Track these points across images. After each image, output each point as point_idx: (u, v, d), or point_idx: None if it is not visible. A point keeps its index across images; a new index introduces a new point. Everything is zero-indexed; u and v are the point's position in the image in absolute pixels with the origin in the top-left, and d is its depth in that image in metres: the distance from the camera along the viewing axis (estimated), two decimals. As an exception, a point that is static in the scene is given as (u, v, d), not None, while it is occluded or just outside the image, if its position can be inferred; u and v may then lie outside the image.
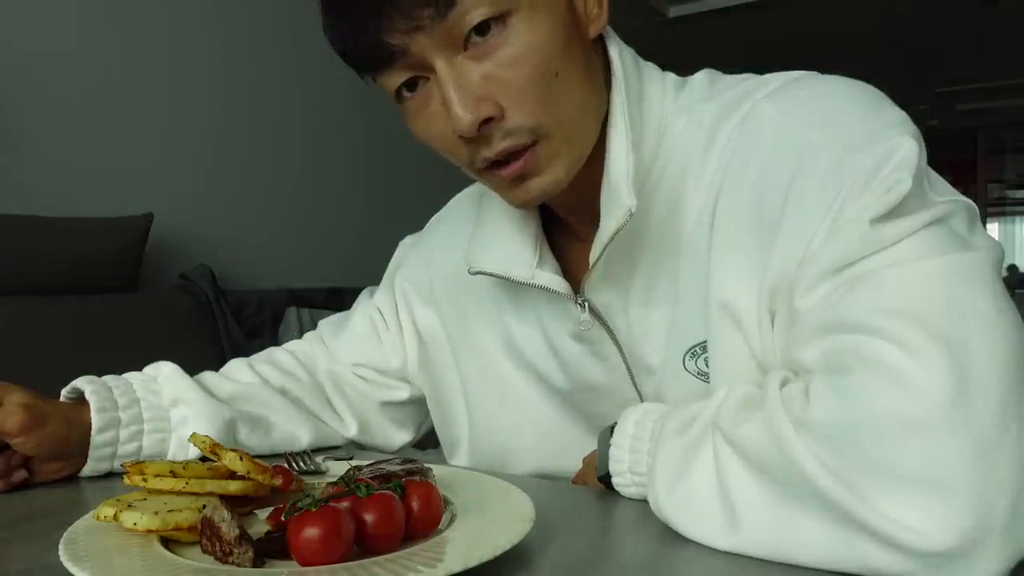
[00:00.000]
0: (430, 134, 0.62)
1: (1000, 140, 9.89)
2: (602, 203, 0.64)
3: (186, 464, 0.55)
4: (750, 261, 0.59)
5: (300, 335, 0.97)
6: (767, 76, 0.65)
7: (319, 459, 0.74)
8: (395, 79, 0.61)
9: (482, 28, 0.57)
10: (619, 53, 0.66)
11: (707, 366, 0.64)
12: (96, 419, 0.72)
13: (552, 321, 0.75)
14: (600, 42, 0.67)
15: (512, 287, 0.76)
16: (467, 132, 0.58)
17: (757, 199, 0.59)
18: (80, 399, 0.75)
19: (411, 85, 0.61)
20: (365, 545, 0.46)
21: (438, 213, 0.92)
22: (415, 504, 0.49)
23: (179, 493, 0.52)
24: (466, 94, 0.58)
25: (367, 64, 0.61)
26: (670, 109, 0.67)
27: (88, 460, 0.73)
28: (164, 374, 0.80)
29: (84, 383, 0.75)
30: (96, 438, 0.72)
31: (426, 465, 0.57)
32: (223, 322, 2.15)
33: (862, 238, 0.51)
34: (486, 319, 0.80)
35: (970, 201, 0.56)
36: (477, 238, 0.74)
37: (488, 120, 0.59)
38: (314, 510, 0.45)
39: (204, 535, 0.47)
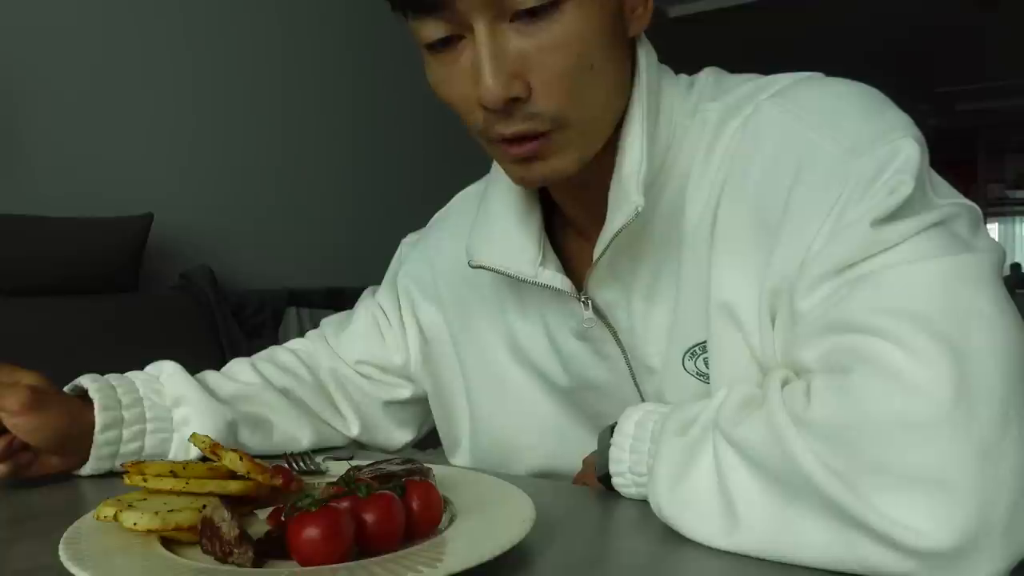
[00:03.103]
0: (451, 91, 0.61)
1: (1000, 140, 9.90)
2: (610, 200, 0.64)
3: (186, 464, 0.55)
4: (751, 262, 0.59)
5: (300, 335, 0.97)
6: (772, 77, 0.65)
7: (319, 459, 0.74)
8: (432, 31, 0.59)
9: (535, 9, 0.57)
10: (647, 56, 0.66)
11: (706, 366, 0.64)
12: (100, 417, 0.72)
13: (555, 319, 0.75)
14: (631, 43, 0.66)
15: (515, 284, 0.76)
16: (493, 105, 0.57)
17: (759, 200, 0.59)
18: (82, 397, 0.75)
19: (446, 40, 0.60)
20: (365, 545, 0.46)
21: (440, 211, 0.92)
22: (415, 504, 0.49)
23: (179, 493, 0.52)
24: (500, 66, 0.57)
25: (408, 5, 0.60)
26: (679, 110, 0.67)
27: (90, 458, 0.73)
28: (166, 373, 0.80)
29: (87, 381, 0.75)
30: (99, 436, 0.72)
31: (426, 465, 0.57)
32: (223, 322, 2.15)
33: (863, 240, 0.51)
34: (489, 317, 0.80)
35: (973, 204, 0.56)
36: (478, 232, 0.74)
37: (515, 99, 0.58)
38: (314, 510, 0.45)
39: (204, 535, 0.47)
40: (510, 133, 0.60)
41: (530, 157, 0.61)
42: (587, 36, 0.58)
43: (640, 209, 0.62)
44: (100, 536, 0.49)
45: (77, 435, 0.72)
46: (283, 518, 0.46)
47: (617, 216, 0.63)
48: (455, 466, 0.83)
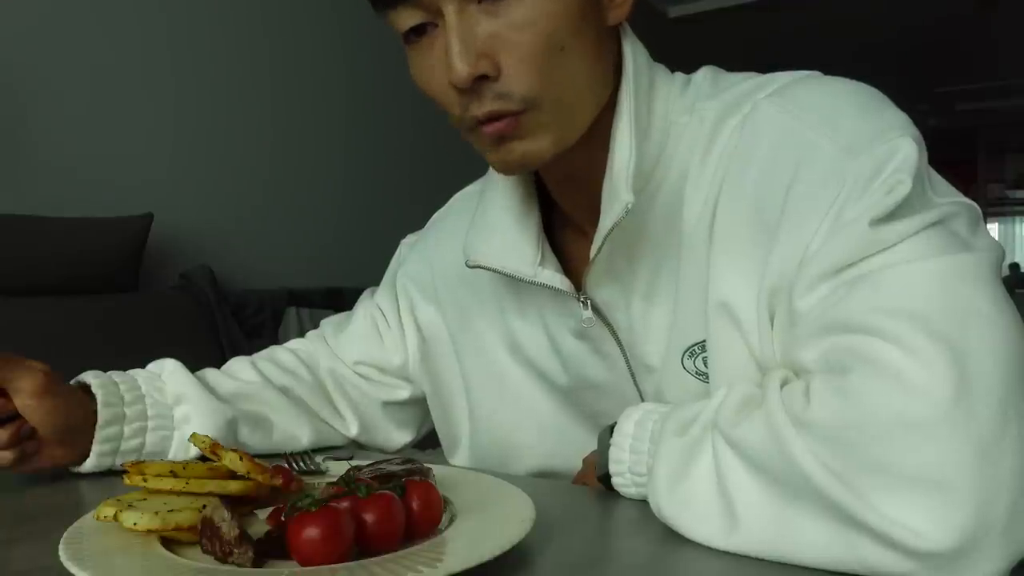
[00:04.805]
0: (429, 81, 0.62)
1: (1000, 140, 9.90)
2: (603, 198, 0.64)
3: (186, 464, 0.55)
4: (749, 261, 0.59)
5: (300, 335, 0.97)
6: (770, 75, 0.65)
7: (319, 459, 0.74)
8: (405, 19, 0.61)
9: None
10: (632, 50, 0.66)
11: (705, 366, 0.64)
12: (102, 413, 0.72)
13: (554, 318, 0.75)
14: (615, 36, 0.66)
15: (514, 284, 0.76)
16: (461, 84, 0.58)
17: (757, 199, 0.59)
18: (84, 393, 0.75)
19: (420, 29, 0.61)
20: (365, 545, 0.46)
21: (439, 212, 0.92)
22: (415, 504, 0.49)
23: (179, 493, 0.52)
24: (468, 46, 0.58)
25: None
26: (675, 108, 0.67)
27: (91, 454, 0.73)
28: (168, 371, 0.80)
29: (90, 377, 0.75)
30: (100, 432, 0.72)
31: (426, 465, 0.57)
32: (223, 322, 2.15)
33: (862, 239, 0.51)
34: (488, 317, 0.80)
35: (972, 203, 0.56)
36: (476, 232, 0.74)
37: (483, 77, 0.58)
38: (314, 510, 0.45)
39: (204, 535, 0.47)
40: (482, 113, 0.60)
41: (505, 137, 0.61)
42: (556, 15, 0.58)
43: (630, 207, 0.61)
44: (100, 536, 0.49)
45: (82, 425, 0.72)
46: (283, 518, 0.46)
47: (609, 214, 0.63)
48: (455, 466, 0.83)
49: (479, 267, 0.72)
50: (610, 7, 0.63)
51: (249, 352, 0.92)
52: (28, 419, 0.69)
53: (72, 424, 0.71)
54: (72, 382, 0.76)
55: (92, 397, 0.73)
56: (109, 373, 0.77)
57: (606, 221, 0.63)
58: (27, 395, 0.68)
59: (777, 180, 0.58)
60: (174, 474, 0.53)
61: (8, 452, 0.69)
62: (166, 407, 0.77)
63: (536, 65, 0.59)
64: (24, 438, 0.70)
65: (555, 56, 0.59)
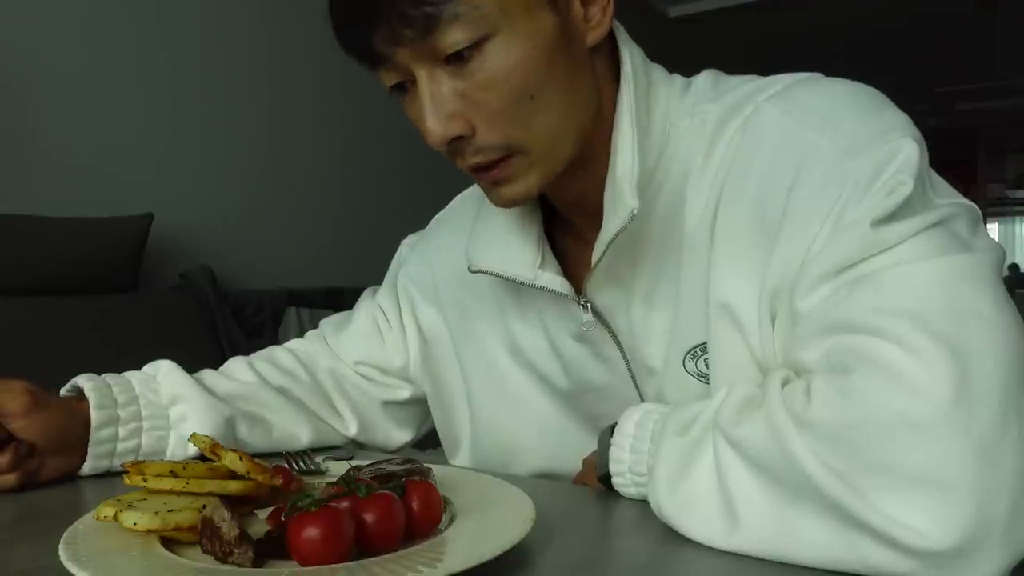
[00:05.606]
0: (419, 130, 0.63)
1: (1000, 140, 9.91)
2: (605, 203, 0.64)
3: (186, 464, 0.55)
4: (750, 263, 0.59)
5: (300, 335, 0.97)
6: (771, 78, 0.65)
7: (319, 459, 0.74)
8: (386, 79, 0.63)
9: (459, 53, 0.58)
10: (629, 52, 0.66)
11: (707, 367, 0.64)
12: (95, 416, 0.72)
13: (554, 322, 0.75)
14: (609, 40, 0.66)
15: (515, 287, 0.76)
16: (436, 147, 0.60)
17: (758, 201, 0.59)
18: (79, 396, 0.75)
19: (400, 86, 0.62)
20: (365, 545, 0.46)
21: (440, 213, 0.92)
22: (415, 504, 0.49)
23: (179, 493, 0.52)
24: (439, 109, 0.59)
25: (360, 61, 0.63)
26: (675, 110, 0.67)
27: (88, 457, 0.73)
28: (163, 372, 0.80)
29: (83, 380, 0.75)
30: (95, 435, 0.72)
31: (426, 465, 0.57)
32: (223, 322, 2.15)
33: (863, 240, 0.51)
34: (489, 319, 0.80)
35: (972, 204, 0.56)
36: (477, 236, 0.74)
37: (459, 137, 0.60)
38: (314, 510, 0.45)
39: (204, 535, 0.47)
40: (466, 167, 0.62)
41: (496, 183, 0.63)
42: (520, 68, 0.59)
43: (635, 212, 0.62)
44: (100, 536, 0.49)
45: (77, 431, 0.72)
46: (283, 518, 0.46)
47: (613, 219, 0.63)
48: (455, 466, 0.83)
49: (481, 272, 0.72)
50: (587, 29, 0.63)
51: (249, 352, 0.92)
52: (25, 439, 0.69)
53: (65, 431, 0.71)
54: (67, 385, 0.76)
55: (87, 401, 0.73)
56: (103, 376, 0.77)
57: (610, 227, 0.63)
58: (18, 417, 0.68)
59: (778, 182, 0.58)
60: (174, 474, 0.53)
61: (11, 476, 0.69)
62: (160, 407, 0.77)
63: (505, 120, 0.60)
64: (23, 457, 0.70)
65: (524, 106, 0.60)
